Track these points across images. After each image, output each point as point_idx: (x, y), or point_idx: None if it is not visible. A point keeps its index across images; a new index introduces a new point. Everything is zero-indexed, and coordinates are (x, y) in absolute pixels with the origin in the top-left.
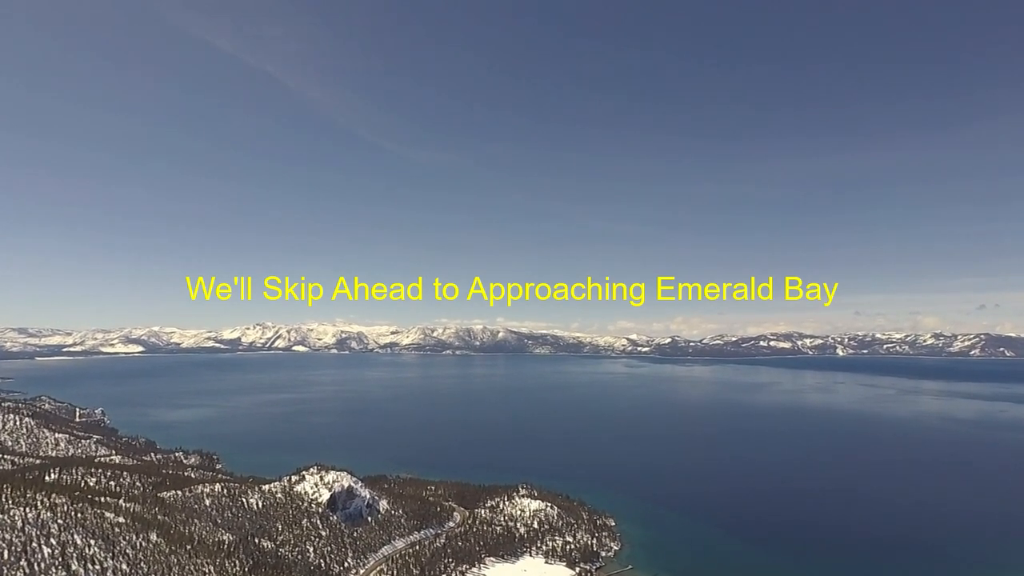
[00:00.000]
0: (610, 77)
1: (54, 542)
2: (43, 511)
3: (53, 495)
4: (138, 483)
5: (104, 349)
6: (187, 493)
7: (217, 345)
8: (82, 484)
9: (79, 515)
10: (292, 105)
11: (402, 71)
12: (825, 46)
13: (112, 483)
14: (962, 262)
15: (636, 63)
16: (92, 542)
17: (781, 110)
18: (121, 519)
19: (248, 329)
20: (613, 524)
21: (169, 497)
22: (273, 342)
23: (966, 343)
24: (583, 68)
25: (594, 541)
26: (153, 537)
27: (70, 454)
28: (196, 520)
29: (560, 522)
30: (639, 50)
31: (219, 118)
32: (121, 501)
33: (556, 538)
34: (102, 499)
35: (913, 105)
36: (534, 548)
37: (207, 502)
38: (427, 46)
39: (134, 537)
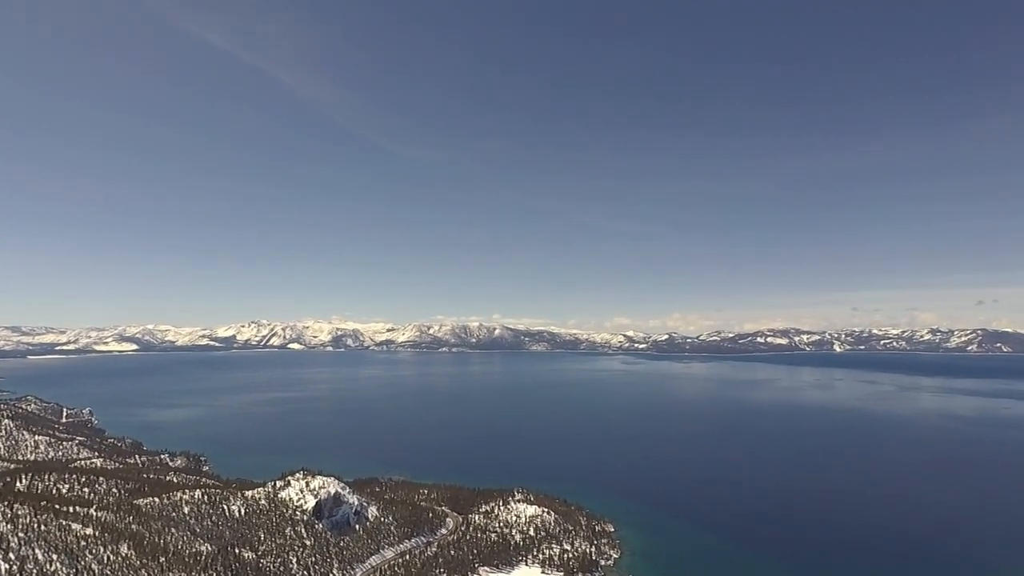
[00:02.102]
0: (607, 75)
1: (12, 557)
2: (3, 523)
3: (16, 505)
4: (114, 489)
5: (98, 347)
6: (165, 500)
7: (212, 343)
8: (53, 491)
9: (42, 527)
10: (287, 102)
11: (399, 69)
12: (821, 44)
13: (86, 490)
14: (959, 258)
15: (633, 61)
16: (54, 556)
17: (778, 107)
18: (89, 530)
19: (243, 327)
20: (612, 530)
21: (145, 505)
22: (268, 340)
23: (963, 339)
24: (580, 66)
25: (593, 549)
26: (123, 549)
27: (50, 457)
28: (173, 529)
29: (557, 529)
30: (636, 48)
31: (213, 115)
32: (92, 510)
33: (553, 546)
34: (70, 509)
35: (911, 102)
36: (530, 557)
37: (186, 510)
38: (424, 43)
39: (102, 550)
